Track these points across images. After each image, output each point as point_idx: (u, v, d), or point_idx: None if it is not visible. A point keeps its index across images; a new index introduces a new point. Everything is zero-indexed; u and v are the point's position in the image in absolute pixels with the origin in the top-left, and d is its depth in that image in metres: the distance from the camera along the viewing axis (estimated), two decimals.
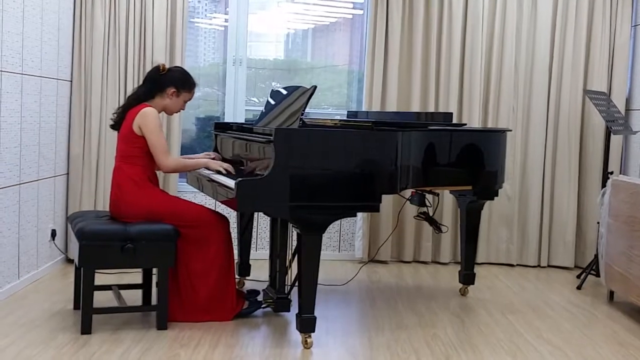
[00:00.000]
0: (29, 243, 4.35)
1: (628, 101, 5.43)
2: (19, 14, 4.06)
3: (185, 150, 5.36)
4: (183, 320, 3.63)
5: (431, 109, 5.29)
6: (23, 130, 4.18)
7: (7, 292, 4.03)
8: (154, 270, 3.83)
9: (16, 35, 4.03)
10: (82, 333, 3.42)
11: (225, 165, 3.74)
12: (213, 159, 3.94)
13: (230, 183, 3.36)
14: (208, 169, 3.80)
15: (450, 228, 5.35)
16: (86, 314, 3.43)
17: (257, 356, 3.27)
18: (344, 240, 5.51)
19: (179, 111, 3.91)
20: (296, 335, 3.52)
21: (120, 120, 3.75)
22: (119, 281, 4.35)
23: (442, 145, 3.90)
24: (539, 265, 5.51)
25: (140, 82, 3.95)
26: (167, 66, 3.85)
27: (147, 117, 3.60)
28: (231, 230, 3.81)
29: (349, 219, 5.41)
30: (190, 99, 3.87)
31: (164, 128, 4.89)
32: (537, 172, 5.43)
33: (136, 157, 3.65)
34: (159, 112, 3.77)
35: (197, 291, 3.65)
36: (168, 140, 4.97)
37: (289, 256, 3.94)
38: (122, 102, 4.04)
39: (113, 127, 3.82)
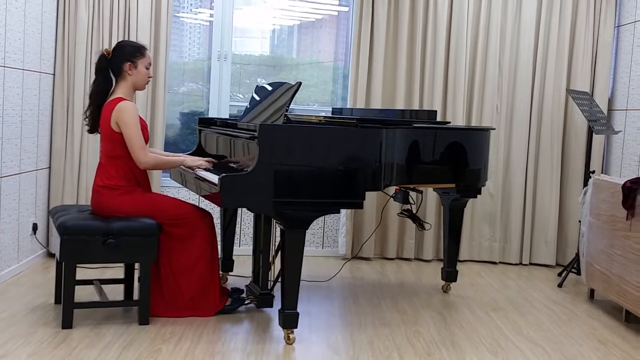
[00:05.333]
0: (10, 237, 4.31)
1: (610, 101, 5.47)
2: (2, 6, 4.01)
3: (169, 145, 5.34)
4: (165, 315, 3.62)
5: (415, 107, 5.31)
6: (4, 124, 4.14)
7: None
8: (136, 265, 3.82)
9: None
10: (63, 327, 3.40)
11: (200, 161, 3.71)
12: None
13: (214, 178, 3.35)
14: (184, 166, 3.77)
15: (433, 225, 5.37)
16: (67, 309, 3.41)
17: (239, 352, 3.26)
18: (327, 237, 5.51)
19: (148, 81, 3.75)
20: (279, 331, 3.52)
21: (95, 121, 3.67)
22: (100, 276, 4.34)
23: (426, 143, 3.92)
24: (520, 263, 5.55)
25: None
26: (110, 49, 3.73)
27: (124, 112, 3.51)
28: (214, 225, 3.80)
29: (332, 215, 5.42)
30: (150, 64, 3.72)
31: (148, 124, 4.85)
32: (519, 170, 5.46)
33: (122, 156, 3.59)
34: (132, 94, 3.70)
35: (180, 287, 3.63)
36: (151, 136, 4.94)
37: (272, 252, 3.94)
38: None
39: (90, 130, 3.73)
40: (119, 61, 3.64)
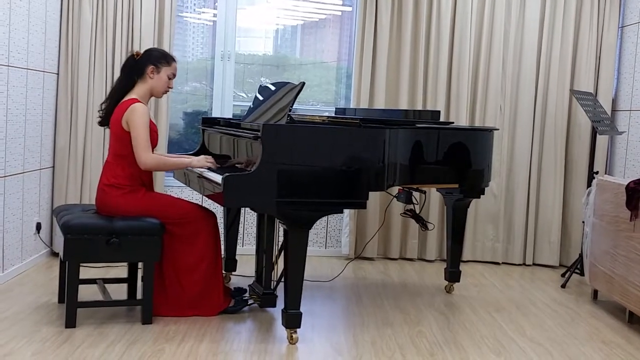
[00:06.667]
0: (14, 236, 4.32)
1: (614, 101, 5.47)
2: (6, 5, 4.02)
3: (172, 145, 5.34)
4: (168, 314, 3.63)
5: (419, 107, 5.31)
6: (9, 123, 4.15)
7: None
8: (140, 265, 3.82)
9: (2, 26, 4.00)
10: (67, 327, 3.40)
11: (210, 159, 3.72)
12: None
13: (217, 178, 3.35)
14: (191, 167, 3.76)
15: (436, 226, 5.37)
16: (71, 308, 3.41)
17: (242, 351, 3.26)
18: (330, 237, 5.51)
19: (167, 91, 3.79)
20: (282, 331, 3.52)
21: (108, 116, 3.70)
22: (104, 275, 4.35)
23: (429, 143, 3.91)
24: (524, 264, 5.54)
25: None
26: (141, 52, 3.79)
27: (135, 113, 3.53)
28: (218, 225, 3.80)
29: (335, 215, 5.42)
30: (173, 74, 3.76)
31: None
32: (523, 171, 5.46)
33: (128, 155, 3.60)
34: (148, 99, 3.73)
35: (183, 286, 3.64)
36: None
37: (275, 252, 3.94)
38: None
39: (101, 123, 3.77)
40: (143, 64, 3.69)
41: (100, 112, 3.76)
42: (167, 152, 4.97)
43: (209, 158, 3.76)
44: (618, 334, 3.85)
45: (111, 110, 3.69)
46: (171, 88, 3.82)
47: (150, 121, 3.64)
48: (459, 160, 4.06)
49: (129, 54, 3.79)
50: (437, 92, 5.36)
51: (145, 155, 3.54)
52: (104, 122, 3.75)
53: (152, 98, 4.19)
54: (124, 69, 3.74)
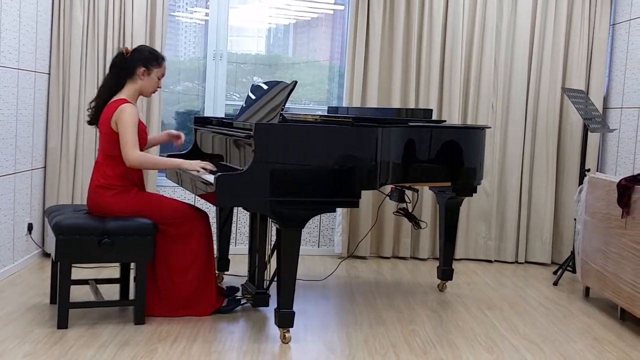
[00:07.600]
0: (5, 236, 4.30)
1: (605, 99, 5.48)
2: None
3: (165, 145, 5.31)
4: (161, 315, 3.62)
5: (411, 106, 5.31)
6: (0, 123, 4.13)
7: None
8: (132, 265, 3.81)
9: None
10: (59, 327, 3.39)
11: (203, 164, 3.58)
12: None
13: (210, 177, 3.35)
14: (181, 169, 3.67)
15: (429, 224, 5.37)
16: (63, 309, 3.40)
17: (235, 351, 3.26)
18: (323, 236, 5.51)
19: (156, 90, 3.79)
20: (275, 330, 3.52)
21: (97, 115, 3.68)
22: (96, 276, 4.34)
23: (421, 142, 3.92)
24: (516, 261, 5.55)
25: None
26: (131, 49, 3.75)
27: (124, 113, 3.51)
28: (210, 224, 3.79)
29: (328, 214, 5.42)
30: (163, 75, 3.76)
31: (144, 122, 4.84)
32: (515, 169, 5.47)
33: (118, 156, 3.57)
34: (136, 98, 3.71)
35: (176, 286, 3.63)
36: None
37: (268, 251, 3.94)
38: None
39: (90, 122, 3.75)
40: (134, 64, 3.66)
41: (89, 110, 3.74)
42: (159, 153, 4.96)
43: (206, 164, 3.59)
44: (610, 331, 3.86)
45: (100, 109, 3.67)
46: (160, 87, 3.81)
47: (140, 121, 3.63)
48: (452, 158, 4.07)
49: (119, 50, 3.75)
50: (429, 91, 5.37)
51: (131, 153, 3.50)
52: (93, 121, 3.73)
53: (143, 98, 4.22)
54: (113, 65, 3.71)
